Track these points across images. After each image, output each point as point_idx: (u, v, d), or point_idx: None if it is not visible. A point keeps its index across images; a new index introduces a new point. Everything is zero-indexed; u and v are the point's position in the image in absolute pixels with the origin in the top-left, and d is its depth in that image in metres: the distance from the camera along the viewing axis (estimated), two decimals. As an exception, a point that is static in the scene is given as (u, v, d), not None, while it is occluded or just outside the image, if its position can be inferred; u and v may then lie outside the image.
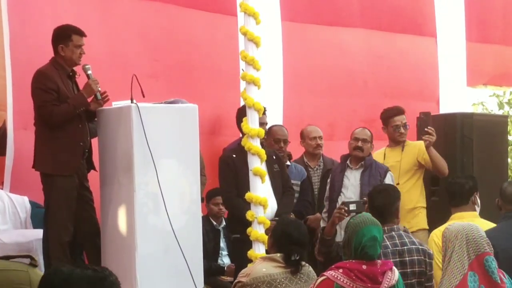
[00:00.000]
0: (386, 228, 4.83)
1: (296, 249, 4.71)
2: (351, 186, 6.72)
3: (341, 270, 4.07)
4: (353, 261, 4.09)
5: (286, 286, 4.65)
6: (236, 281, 4.80)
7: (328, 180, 6.94)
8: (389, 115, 7.24)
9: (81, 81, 6.01)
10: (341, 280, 4.04)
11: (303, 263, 4.76)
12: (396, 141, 7.21)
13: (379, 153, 7.22)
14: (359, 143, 6.81)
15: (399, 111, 7.27)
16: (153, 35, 7.77)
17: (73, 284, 2.05)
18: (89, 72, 5.89)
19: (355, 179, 6.75)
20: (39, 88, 5.78)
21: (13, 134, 6.68)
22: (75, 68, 6.00)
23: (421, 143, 7.20)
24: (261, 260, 4.86)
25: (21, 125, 6.71)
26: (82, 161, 5.91)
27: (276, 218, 6.04)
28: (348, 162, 6.84)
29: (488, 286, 4.06)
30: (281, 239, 4.81)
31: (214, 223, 7.12)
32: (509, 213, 5.16)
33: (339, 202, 6.57)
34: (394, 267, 4.21)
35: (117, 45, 7.37)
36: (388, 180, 6.67)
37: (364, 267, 4.05)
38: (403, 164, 7.06)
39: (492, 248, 4.15)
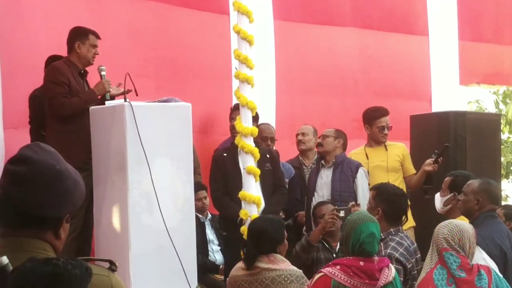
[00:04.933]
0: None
1: (246, 242, 4.74)
2: (324, 185, 6.75)
3: (338, 267, 4.08)
4: (351, 257, 4.11)
5: None
6: None
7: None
8: (375, 116, 7.25)
9: (91, 82, 6.11)
10: (339, 276, 4.04)
11: (264, 264, 4.62)
12: (379, 141, 7.23)
13: (359, 153, 7.24)
14: (320, 139, 6.87)
15: (385, 111, 7.29)
16: (144, 34, 7.74)
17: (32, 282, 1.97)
18: (103, 73, 6.06)
19: (327, 177, 6.76)
20: (51, 81, 5.93)
21: (3, 134, 6.62)
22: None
23: (402, 146, 7.28)
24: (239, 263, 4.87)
25: (11, 124, 6.65)
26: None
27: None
28: (322, 161, 6.86)
29: (456, 280, 4.12)
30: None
31: (200, 216, 7.06)
32: (492, 212, 5.07)
33: (314, 202, 6.60)
34: (390, 264, 4.21)
35: (108, 44, 7.32)
36: (360, 175, 6.68)
37: (361, 263, 4.06)
38: (390, 163, 7.10)
39: (451, 244, 4.16)
